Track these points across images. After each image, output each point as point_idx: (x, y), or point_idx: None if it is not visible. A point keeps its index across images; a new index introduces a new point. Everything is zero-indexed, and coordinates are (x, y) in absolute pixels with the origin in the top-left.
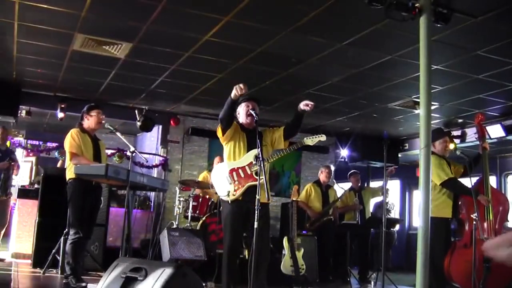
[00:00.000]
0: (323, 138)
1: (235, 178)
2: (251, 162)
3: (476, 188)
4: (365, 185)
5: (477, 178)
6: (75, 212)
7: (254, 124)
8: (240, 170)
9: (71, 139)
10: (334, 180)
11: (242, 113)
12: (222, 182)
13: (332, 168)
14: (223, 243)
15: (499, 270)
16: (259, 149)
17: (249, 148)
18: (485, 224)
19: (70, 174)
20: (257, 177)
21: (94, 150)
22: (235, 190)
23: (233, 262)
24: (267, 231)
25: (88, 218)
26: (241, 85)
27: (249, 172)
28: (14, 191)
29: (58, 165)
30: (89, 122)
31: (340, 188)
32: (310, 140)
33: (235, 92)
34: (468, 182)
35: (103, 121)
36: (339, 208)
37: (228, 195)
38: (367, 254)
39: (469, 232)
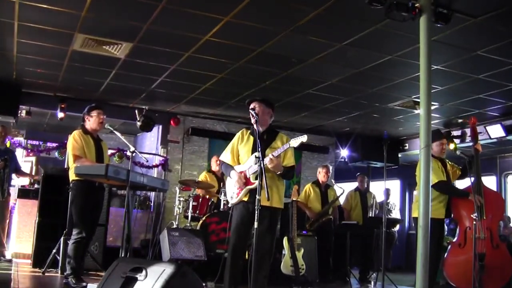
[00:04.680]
0: (304, 138)
1: (239, 182)
2: (251, 166)
3: (470, 188)
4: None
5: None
6: (78, 213)
7: (256, 123)
8: (242, 174)
9: (73, 141)
10: (333, 180)
11: (252, 118)
12: (231, 185)
13: (331, 167)
14: (228, 244)
15: (494, 269)
16: (259, 149)
17: (253, 151)
18: (478, 223)
19: (73, 176)
20: (254, 181)
21: (96, 151)
22: (237, 194)
23: (236, 263)
24: (270, 234)
25: (90, 218)
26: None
27: (248, 175)
28: (14, 191)
29: None
30: (90, 123)
31: (339, 188)
32: (294, 142)
33: (236, 183)
34: (467, 181)
35: (104, 121)
36: (345, 211)
37: (232, 197)
38: (369, 255)
39: (463, 232)
